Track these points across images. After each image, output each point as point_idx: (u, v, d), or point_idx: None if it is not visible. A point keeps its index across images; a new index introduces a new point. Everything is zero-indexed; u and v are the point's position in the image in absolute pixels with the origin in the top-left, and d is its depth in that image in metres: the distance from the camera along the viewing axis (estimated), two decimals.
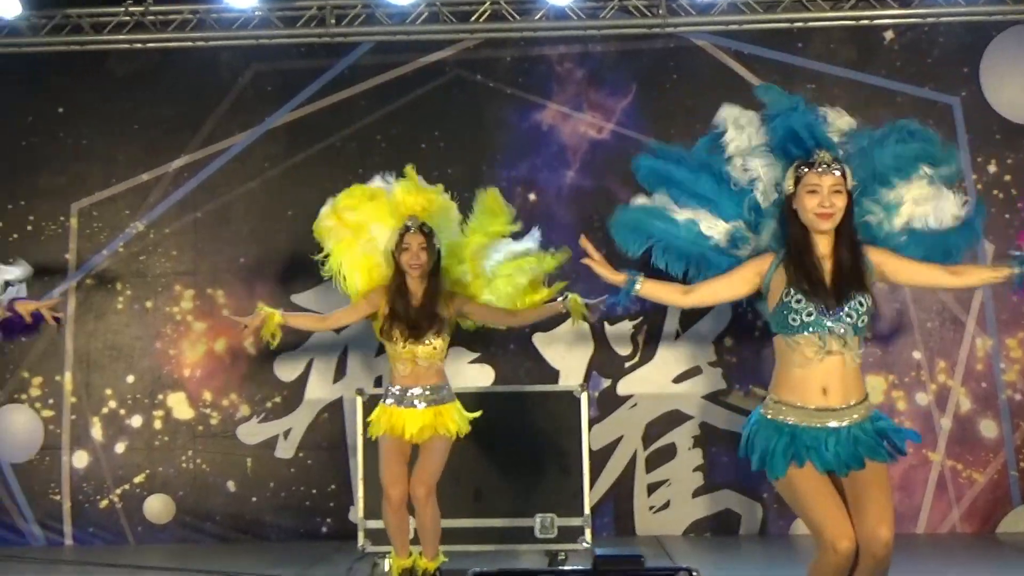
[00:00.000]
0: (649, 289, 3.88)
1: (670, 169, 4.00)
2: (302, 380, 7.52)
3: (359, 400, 6.37)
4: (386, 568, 6.03)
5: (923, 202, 3.90)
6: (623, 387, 7.45)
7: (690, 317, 7.36)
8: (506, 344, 7.31)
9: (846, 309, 3.68)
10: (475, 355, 7.41)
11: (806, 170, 3.75)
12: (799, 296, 3.70)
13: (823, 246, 3.76)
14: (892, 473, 4.11)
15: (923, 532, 7.25)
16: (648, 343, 7.44)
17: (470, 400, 5.66)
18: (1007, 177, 7.42)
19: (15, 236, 7.57)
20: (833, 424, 3.67)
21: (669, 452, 7.43)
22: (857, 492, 3.65)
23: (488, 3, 7.46)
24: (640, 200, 4.05)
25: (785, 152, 3.85)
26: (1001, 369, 7.33)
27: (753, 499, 7.35)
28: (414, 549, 5.48)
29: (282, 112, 7.64)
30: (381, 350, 7.07)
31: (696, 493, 7.41)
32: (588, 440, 6.40)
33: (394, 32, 7.54)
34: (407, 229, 5.31)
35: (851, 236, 3.76)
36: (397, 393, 5.35)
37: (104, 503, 7.52)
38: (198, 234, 7.65)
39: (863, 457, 3.64)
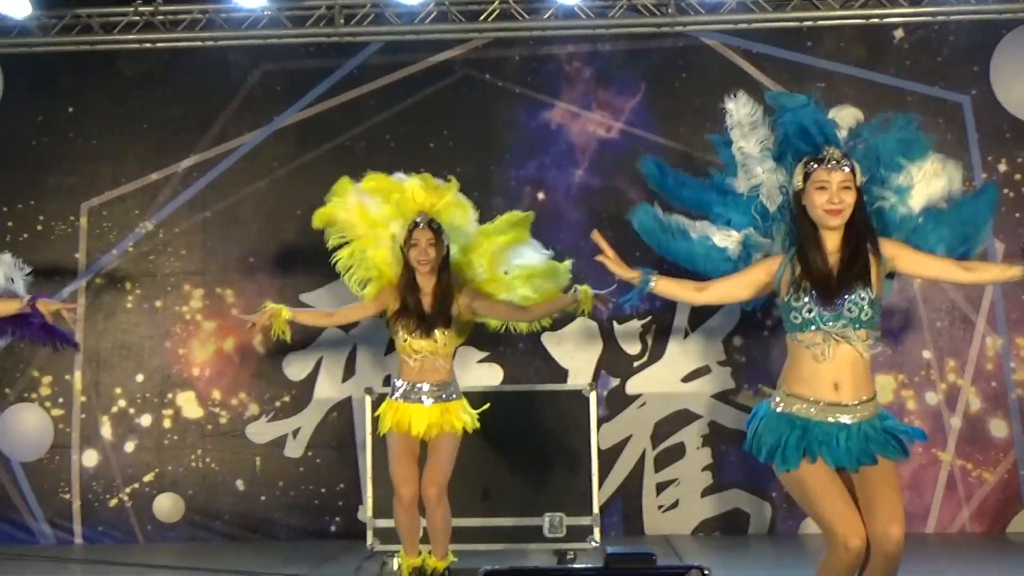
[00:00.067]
0: (663, 287, 3.89)
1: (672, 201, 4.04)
2: (311, 379, 7.52)
3: (368, 399, 6.37)
4: (395, 567, 6.03)
5: (936, 176, 3.89)
6: (632, 386, 7.44)
7: (699, 316, 7.36)
8: (515, 343, 7.31)
9: (847, 304, 3.68)
10: (484, 354, 7.41)
11: (815, 166, 3.75)
12: (801, 293, 3.70)
13: (832, 242, 3.75)
14: (902, 472, 4.12)
15: (933, 532, 7.23)
16: (657, 342, 7.44)
17: (479, 399, 5.66)
18: (1017, 176, 7.39)
19: (25, 235, 7.59)
20: (845, 419, 3.66)
21: (678, 451, 7.42)
22: (868, 490, 3.65)
23: (497, 2, 7.47)
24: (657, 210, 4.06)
25: (794, 147, 3.85)
26: (1011, 368, 7.31)
27: (762, 498, 7.34)
28: (423, 548, 5.49)
29: (291, 112, 7.65)
30: (390, 349, 7.10)
31: (705, 492, 7.40)
32: (597, 439, 6.40)
33: (403, 32, 7.55)
34: (416, 225, 5.32)
35: (862, 231, 3.75)
36: (404, 388, 5.36)
37: (114, 502, 7.53)
38: (207, 233, 7.66)
39: (874, 453, 3.63)
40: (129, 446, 7.56)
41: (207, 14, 7.55)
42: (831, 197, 3.71)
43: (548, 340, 7.41)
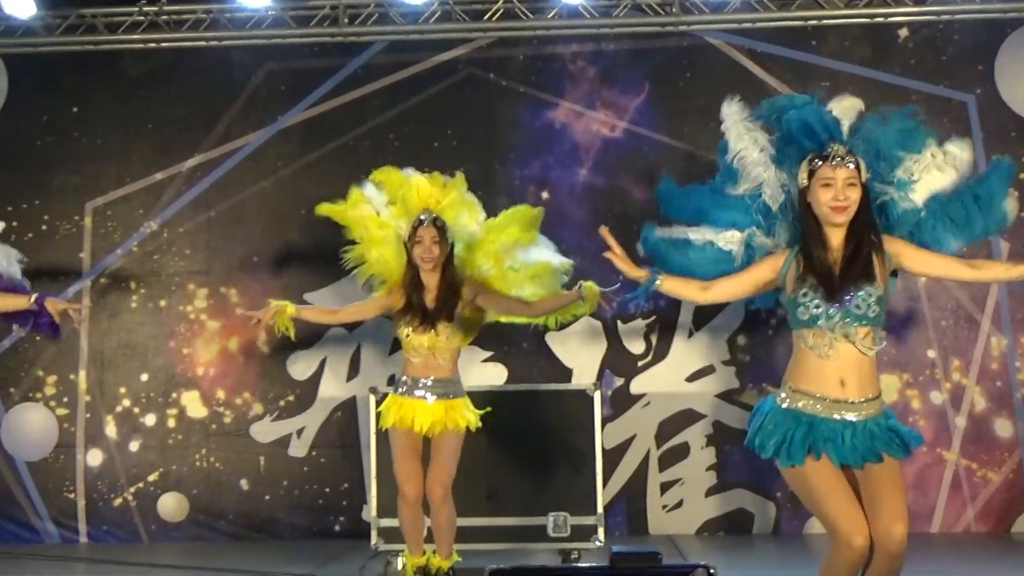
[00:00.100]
0: (670, 285, 3.90)
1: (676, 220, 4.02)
2: (315, 378, 7.53)
3: (372, 398, 6.36)
4: (399, 566, 6.02)
5: (939, 169, 3.85)
6: (636, 386, 7.44)
7: (703, 315, 7.35)
8: (519, 342, 7.31)
9: (854, 301, 3.67)
10: (488, 353, 7.41)
11: (820, 163, 3.74)
12: (807, 289, 3.70)
13: (837, 239, 3.74)
14: (906, 472, 4.12)
15: (938, 531, 7.22)
16: (661, 341, 7.43)
17: (483, 398, 5.66)
18: (1022, 175, 7.34)
19: (30, 235, 7.59)
20: (850, 417, 3.65)
21: (682, 451, 7.42)
22: (871, 489, 3.64)
23: (501, 2, 7.47)
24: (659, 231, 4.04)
25: (799, 145, 3.83)
26: (1016, 368, 7.30)
27: (766, 498, 7.33)
28: (428, 547, 5.48)
29: (295, 111, 7.66)
30: (395, 348, 7.10)
31: (709, 492, 7.39)
32: (601, 439, 6.39)
33: (407, 31, 7.55)
34: (420, 222, 5.32)
35: (866, 228, 3.74)
36: (408, 383, 5.35)
37: (118, 501, 7.54)
38: (211, 233, 7.67)
39: (879, 451, 3.63)
40: (133, 445, 7.56)
41: (211, 14, 7.56)
42: (836, 194, 3.70)
43: (552, 339, 7.40)
